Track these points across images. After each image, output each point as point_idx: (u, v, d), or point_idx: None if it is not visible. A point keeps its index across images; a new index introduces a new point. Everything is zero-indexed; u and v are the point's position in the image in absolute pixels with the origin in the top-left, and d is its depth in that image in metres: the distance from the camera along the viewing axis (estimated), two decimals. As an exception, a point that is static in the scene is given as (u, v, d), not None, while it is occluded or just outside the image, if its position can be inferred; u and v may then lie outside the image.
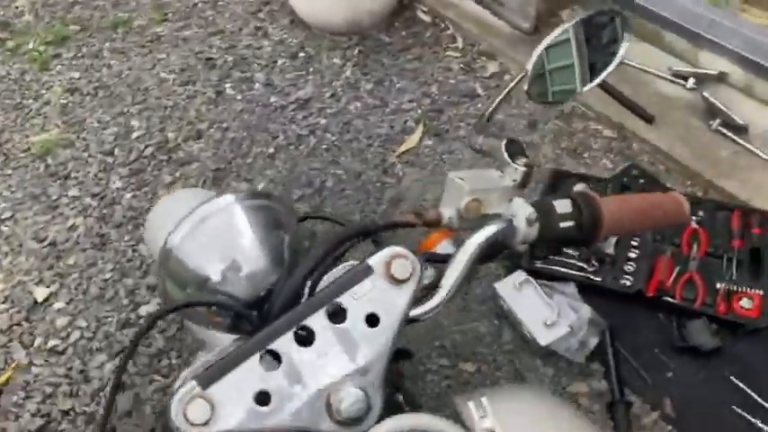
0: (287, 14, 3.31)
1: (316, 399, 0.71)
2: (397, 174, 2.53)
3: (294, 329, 0.73)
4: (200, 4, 3.51)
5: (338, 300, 0.74)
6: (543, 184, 2.27)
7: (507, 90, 0.99)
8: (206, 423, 0.68)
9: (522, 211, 0.81)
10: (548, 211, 0.82)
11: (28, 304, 2.24)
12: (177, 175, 2.63)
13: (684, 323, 1.90)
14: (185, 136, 2.78)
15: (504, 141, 0.90)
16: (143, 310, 2.17)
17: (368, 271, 0.76)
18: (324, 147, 2.67)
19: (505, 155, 0.89)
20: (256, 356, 0.71)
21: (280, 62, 3.10)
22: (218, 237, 0.90)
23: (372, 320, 0.75)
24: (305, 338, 0.73)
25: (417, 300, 0.79)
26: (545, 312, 1.92)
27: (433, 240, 1.03)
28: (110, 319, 2.17)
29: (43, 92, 3.09)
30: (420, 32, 3.16)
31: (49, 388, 2.01)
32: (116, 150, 2.76)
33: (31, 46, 3.35)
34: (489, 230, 0.81)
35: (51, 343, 2.12)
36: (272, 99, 2.91)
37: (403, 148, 2.62)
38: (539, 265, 2.04)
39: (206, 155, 2.70)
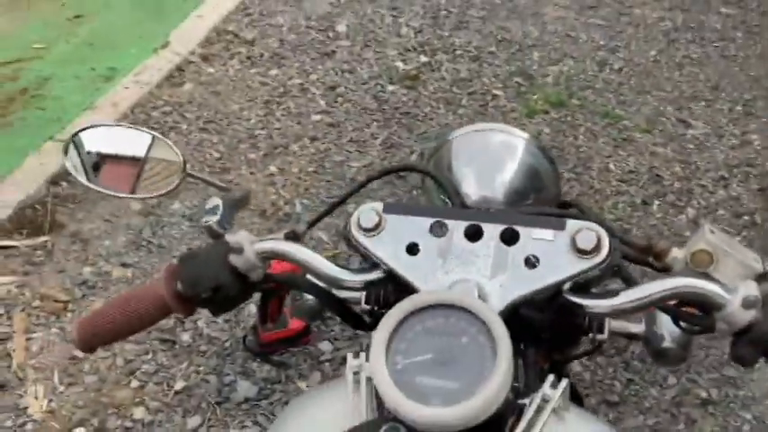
0: (760, 182, 3.19)
1: (441, 283, 0.75)
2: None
3: (471, 222, 0.78)
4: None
5: (520, 228, 0.77)
6: None
7: None
8: (366, 230, 0.77)
9: (744, 289, 0.73)
10: None
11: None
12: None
13: None
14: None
15: None
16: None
17: (560, 225, 0.77)
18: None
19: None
20: (431, 220, 0.78)
21: (720, 212, 3.00)
22: (493, 152, 1.01)
23: (532, 263, 0.76)
24: (473, 234, 0.78)
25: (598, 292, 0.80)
26: None
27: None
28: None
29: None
30: None
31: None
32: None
33: (535, 96, 3.78)
34: (699, 284, 0.75)
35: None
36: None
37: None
38: None
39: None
